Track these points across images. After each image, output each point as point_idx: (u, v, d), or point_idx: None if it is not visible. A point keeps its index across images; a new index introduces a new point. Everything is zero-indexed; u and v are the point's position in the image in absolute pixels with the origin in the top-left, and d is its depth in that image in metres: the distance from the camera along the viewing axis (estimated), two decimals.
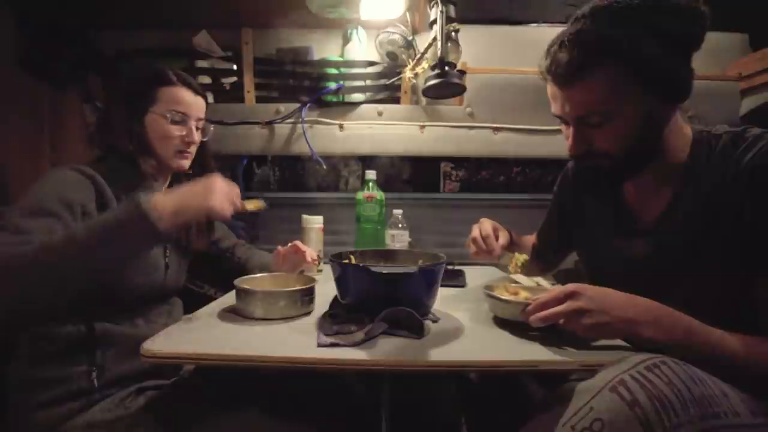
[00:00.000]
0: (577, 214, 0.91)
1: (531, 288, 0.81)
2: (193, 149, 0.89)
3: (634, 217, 0.77)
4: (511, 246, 0.98)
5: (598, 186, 0.83)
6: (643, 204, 0.76)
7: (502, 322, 0.73)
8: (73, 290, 0.62)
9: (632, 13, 0.61)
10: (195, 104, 0.88)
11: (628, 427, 0.44)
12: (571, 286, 0.60)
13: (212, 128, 0.95)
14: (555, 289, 0.62)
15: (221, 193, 0.70)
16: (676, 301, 0.60)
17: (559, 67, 0.65)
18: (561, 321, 0.59)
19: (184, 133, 0.86)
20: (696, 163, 0.68)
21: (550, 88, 0.70)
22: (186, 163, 0.89)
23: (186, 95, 0.86)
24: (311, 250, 1.05)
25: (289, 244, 1.03)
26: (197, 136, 0.89)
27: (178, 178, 0.94)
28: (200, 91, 0.90)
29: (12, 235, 0.63)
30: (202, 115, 0.91)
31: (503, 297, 0.71)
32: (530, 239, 1.10)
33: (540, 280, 0.86)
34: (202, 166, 0.96)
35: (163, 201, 0.65)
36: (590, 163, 0.71)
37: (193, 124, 0.88)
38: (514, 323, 0.70)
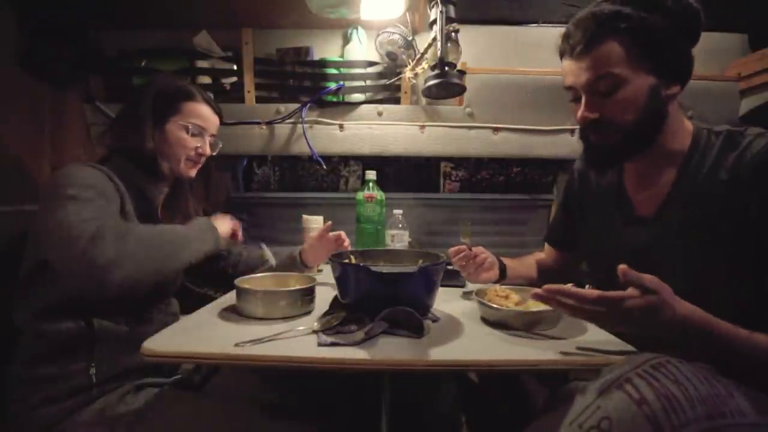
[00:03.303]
0: (581, 214, 0.92)
1: (521, 290, 0.82)
2: (202, 161, 0.97)
3: (634, 207, 0.79)
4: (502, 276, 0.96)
5: (602, 170, 0.84)
6: (643, 194, 0.78)
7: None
8: (169, 271, 0.78)
9: None
10: (212, 120, 0.96)
11: (636, 425, 0.44)
12: (655, 282, 0.56)
13: (221, 145, 1.01)
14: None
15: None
16: (677, 289, 0.61)
17: (573, 40, 0.72)
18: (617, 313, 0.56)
19: (198, 144, 0.93)
20: (696, 155, 0.71)
21: (565, 63, 0.75)
22: (194, 172, 0.96)
23: (206, 111, 0.95)
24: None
25: (333, 234, 1.03)
26: (209, 150, 0.96)
27: (180, 182, 0.98)
28: (218, 110, 0.99)
29: (93, 209, 0.72)
30: (216, 131, 0.98)
31: (494, 305, 0.73)
32: (527, 261, 1.08)
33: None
34: (205, 174, 1.03)
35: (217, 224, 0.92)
36: (598, 137, 0.74)
37: (207, 138, 0.95)
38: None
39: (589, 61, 0.71)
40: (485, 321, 0.75)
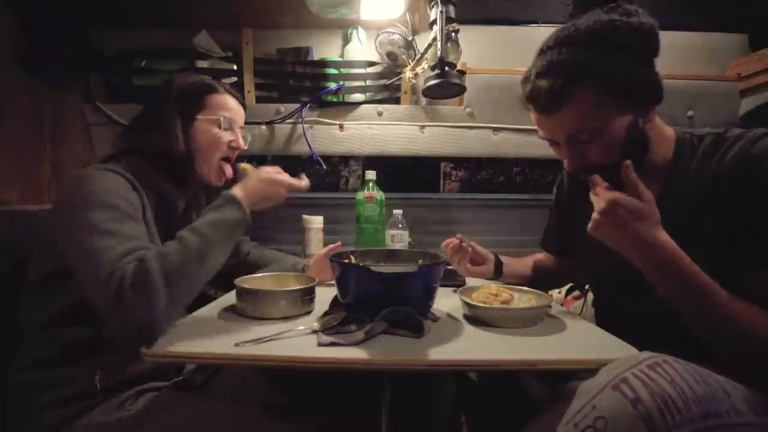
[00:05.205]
0: (574, 219, 0.92)
1: (516, 290, 0.82)
2: (235, 155, 0.92)
3: None
4: (496, 272, 0.96)
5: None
6: None
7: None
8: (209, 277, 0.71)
9: (594, 36, 0.67)
10: (239, 112, 0.92)
11: (631, 425, 0.44)
12: (649, 193, 0.63)
13: (250, 137, 0.96)
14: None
15: (285, 186, 0.84)
16: None
17: (540, 97, 0.70)
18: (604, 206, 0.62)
19: (232, 138, 0.89)
20: (681, 161, 0.72)
21: (534, 116, 0.74)
22: (222, 180, 0.90)
23: (232, 102, 0.91)
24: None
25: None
26: (242, 143, 0.92)
27: (205, 188, 0.92)
28: (242, 100, 0.94)
29: (126, 240, 0.66)
30: (243, 123, 0.94)
31: (471, 302, 0.74)
32: (527, 261, 1.08)
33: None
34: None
35: (247, 198, 0.76)
36: (586, 176, 0.73)
37: (238, 130, 0.91)
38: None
39: (562, 117, 0.69)
40: (466, 318, 0.76)
